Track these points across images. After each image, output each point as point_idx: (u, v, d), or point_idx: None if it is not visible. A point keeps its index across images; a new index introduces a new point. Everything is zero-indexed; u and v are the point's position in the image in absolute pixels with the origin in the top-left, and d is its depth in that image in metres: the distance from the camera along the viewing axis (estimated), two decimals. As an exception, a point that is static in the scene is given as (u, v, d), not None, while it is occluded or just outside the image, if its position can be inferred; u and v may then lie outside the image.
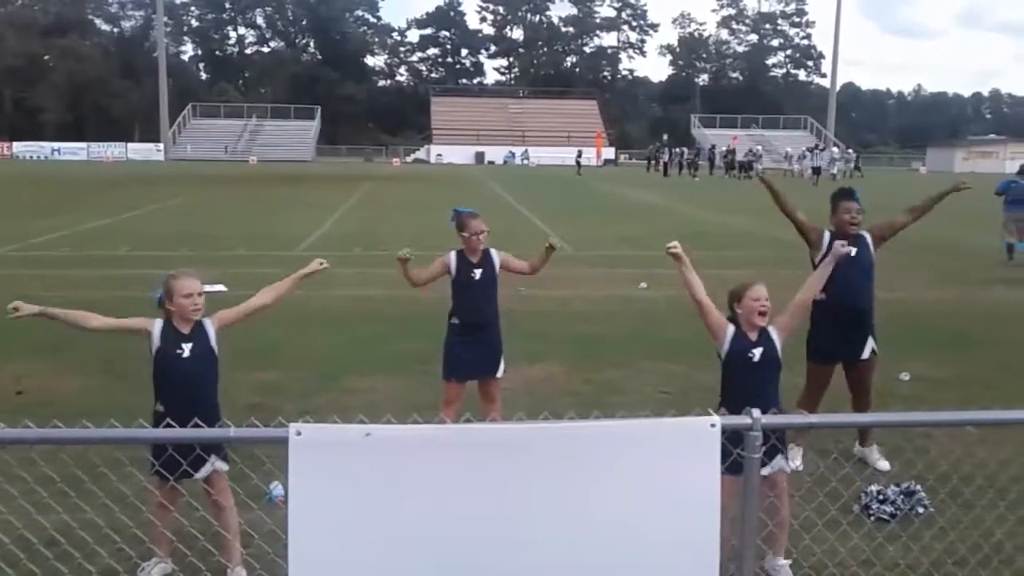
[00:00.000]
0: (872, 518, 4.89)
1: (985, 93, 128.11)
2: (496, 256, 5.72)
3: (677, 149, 56.26)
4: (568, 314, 10.77)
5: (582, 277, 13.68)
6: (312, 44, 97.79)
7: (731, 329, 4.30)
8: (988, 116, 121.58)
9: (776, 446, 4.01)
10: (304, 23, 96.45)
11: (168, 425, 3.22)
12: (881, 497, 5.03)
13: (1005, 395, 6.62)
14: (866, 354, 5.77)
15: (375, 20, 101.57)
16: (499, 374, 5.78)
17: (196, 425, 3.18)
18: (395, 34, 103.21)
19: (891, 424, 3.79)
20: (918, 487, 5.07)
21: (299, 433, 2.64)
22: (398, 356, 8.35)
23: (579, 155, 56.16)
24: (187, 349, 4.01)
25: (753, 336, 4.26)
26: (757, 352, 4.22)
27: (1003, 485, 4.57)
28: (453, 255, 5.69)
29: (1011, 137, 77.20)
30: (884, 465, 5.67)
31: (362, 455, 2.65)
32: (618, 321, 10.36)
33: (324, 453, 2.65)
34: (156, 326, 4.05)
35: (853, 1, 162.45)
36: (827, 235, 5.79)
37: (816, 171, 41.21)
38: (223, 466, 4.08)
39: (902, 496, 5.04)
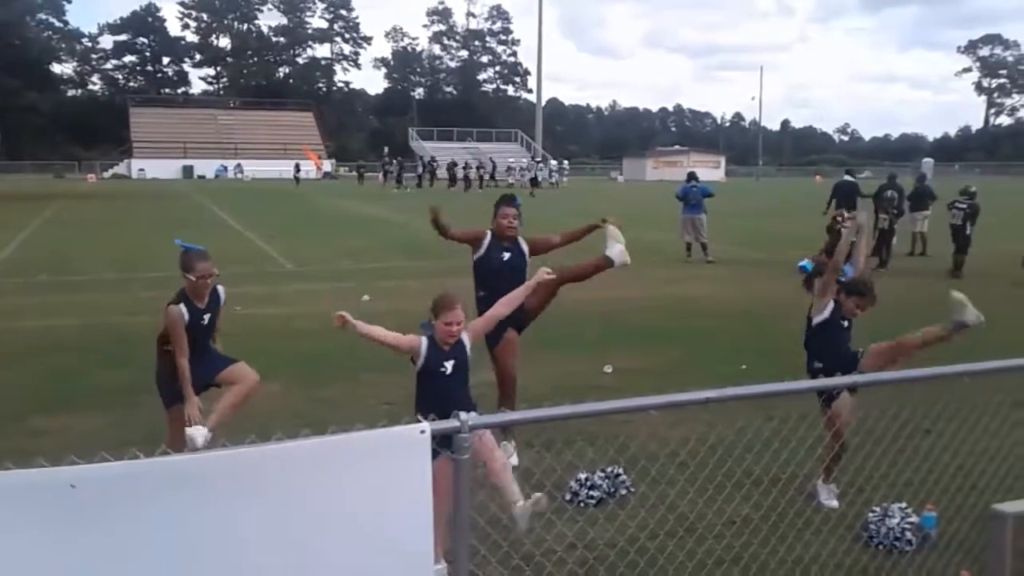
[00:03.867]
0: (582, 504, 5.23)
1: (670, 108, 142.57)
2: (222, 292, 5.55)
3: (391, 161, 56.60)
4: (289, 331, 10.48)
5: (303, 293, 13.39)
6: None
7: (425, 342, 4.35)
8: (673, 129, 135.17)
9: None
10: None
11: None
12: (589, 483, 5.39)
13: (691, 379, 7.37)
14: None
15: (61, 25, 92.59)
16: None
17: None
18: (85, 40, 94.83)
19: (591, 413, 4.08)
20: (621, 470, 5.50)
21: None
22: (98, 390, 7.64)
23: (297, 169, 55.03)
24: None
25: (447, 347, 4.36)
26: (449, 365, 4.32)
27: (683, 460, 5.10)
28: (184, 308, 5.29)
29: (692, 148, 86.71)
30: (515, 460, 6.15)
31: (42, 500, 2.38)
32: (340, 335, 10.18)
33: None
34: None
35: (553, 22, 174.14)
36: (488, 236, 6.27)
37: (534, 182, 43.40)
38: None
39: (607, 480, 5.45)
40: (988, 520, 3.59)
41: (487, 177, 50.99)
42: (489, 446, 4.16)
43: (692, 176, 19.29)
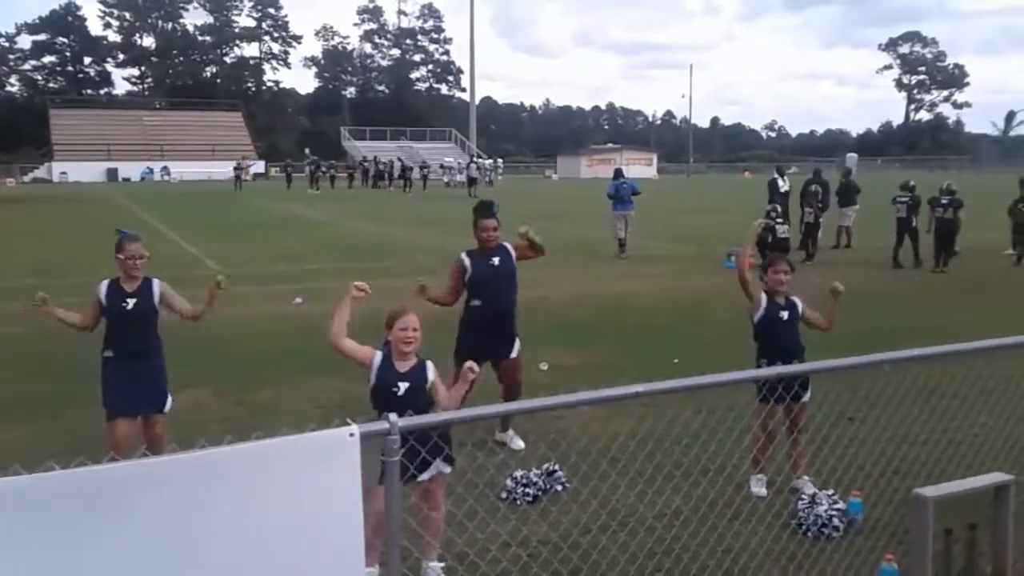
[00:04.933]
0: (517, 502, 5.24)
1: (603, 106, 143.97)
2: (157, 286, 5.36)
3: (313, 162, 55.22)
4: (215, 335, 10.22)
5: (233, 296, 13.11)
6: None
7: (378, 356, 4.21)
8: (606, 126, 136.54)
9: (440, 446, 4.02)
10: None
11: None
12: (524, 481, 5.40)
13: (624, 374, 7.46)
14: (514, 353, 6.27)
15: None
16: (165, 409, 5.39)
17: None
18: (2, 40, 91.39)
19: (526, 410, 4.10)
20: (557, 467, 5.53)
21: None
22: (12, 402, 7.34)
23: (238, 168, 52.64)
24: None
25: (403, 367, 4.18)
26: (403, 386, 4.14)
27: (615, 455, 5.15)
28: (105, 284, 5.28)
29: (625, 145, 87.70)
30: (520, 443, 6.22)
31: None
32: (272, 338, 10.08)
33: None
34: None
35: (486, 20, 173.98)
36: (465, 260, 6.22)
37: (472, 182, 42.97)
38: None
39: (544, 477, 5.47)
40: (911, 504, 3.72)
41: (429, 177, 50.59)
42: (438, 497, 4.20)
43: (619, 173, 19.51)
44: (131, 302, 5.22)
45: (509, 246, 6.30)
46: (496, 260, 6.19)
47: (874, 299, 12.38)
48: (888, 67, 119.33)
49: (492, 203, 6.44)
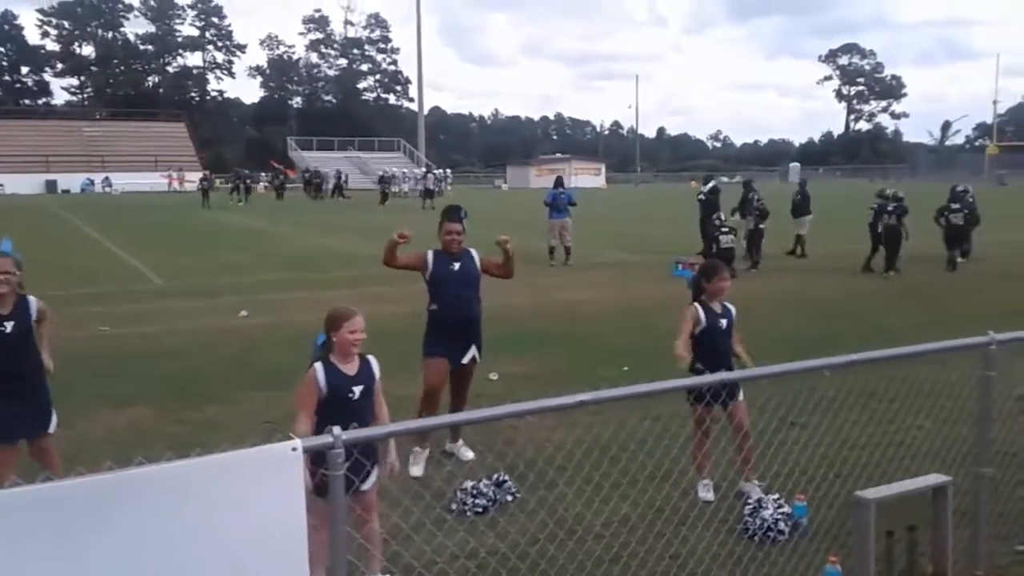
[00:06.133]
0: (467, 513, 5.22)
1: (551, 116, 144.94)
2: (34, 303, 5.08)
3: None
4: (157, 351, 10.02)
5: (174, 310, 12.88)
6: None
7: (321, 370, 4.06)
8: (555, 137, 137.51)
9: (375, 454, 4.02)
10: None
11: None
12: (475, 492, 5.38)
13: (574, 383, 7.47)
14: (466, 360, 6.23)
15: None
16: (51, 430, 5.16)
17: None
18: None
19: (469, 422, 4.09)
20: (507, 477, 5.52)
21: None
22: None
23: (205, 180, 50.52)
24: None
25: (351, 370, 4.11)
26: (357, 390, 4.09)
27: (561, 463, 5.15)
28: None
29: (573, 155, 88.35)
30: (469, 454, 6.22)
31: None
32: (216, 352, 9.90)
33: None
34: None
35: (433, 30, 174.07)
36: (430, 255, 6.18)
37: (428, 194, 42.28)
38: None
39: (494, 487, 5.45)
40: (853, 506, 3.79)
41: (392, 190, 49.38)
42: (372, 506, 4.15)
43: (559, 182, 19.87)
44: (8, 326, 4.91)
45: (475, 253, 6.27)
46: (457, 265, 6.16)
47: (824, 305, 12.68)
48: (828, 78, 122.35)
49: (459, 207, 6.42)
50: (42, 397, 5.13)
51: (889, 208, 16.53)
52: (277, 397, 7.85)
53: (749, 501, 5.11)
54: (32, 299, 5.08)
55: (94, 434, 6.61)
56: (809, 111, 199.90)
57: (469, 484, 5.43)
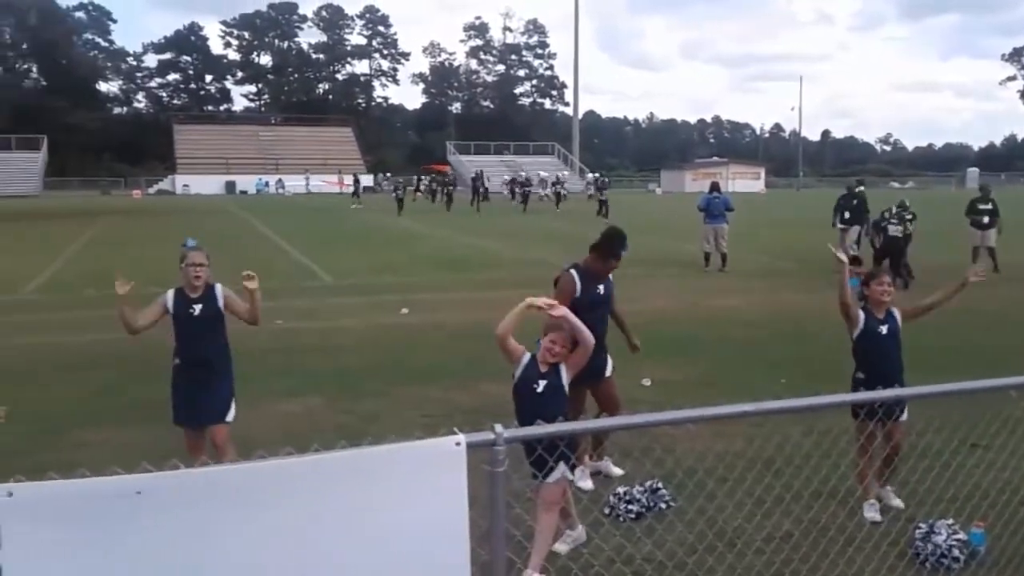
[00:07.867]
0: (620, 519, 5.19)
1: (708, 119, 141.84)
2: (220, 290, 5.45)
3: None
4: (327, 346, 10.54)
5: (342, 307, 13.49)
6: (35, 70, 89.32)
7: (526, 357, 4.50)
8: (712, 140, 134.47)
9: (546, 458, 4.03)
10: (25, 47, 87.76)
11: None
12: (627, 498, 5.34)
13: (728, 392, 7.29)
14: (608, 372, 6.11)
15: (107, 44, 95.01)
16: (229, 418, 5.45)
17: None
18: (130, 59, 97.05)
19: (632, 426, 4.04)
20: (660, 484, 5.45)
21: (10, 494, 2.37)
22: (138, 404, 7.71)
23: (356, 181, 51.71)
24: None
25: (544, 368, 4.46)
26: (542, 383, 4.42)
27: (722, 474, 5.02)
28: (171, 293, 5.44)
29: (732, 159, 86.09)
30: (617, 471, 6.04)
31: (79, 514, 2.42)
32: (379, 349, 10.29)
33: (42, 516, 2.39)
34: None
35: (590, 35, 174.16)
36: (576, 276, 5.77)
37: (559, 197, 41.84)
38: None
39: (647, 495, 5.40)
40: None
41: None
42: (552, 500, 4.31)
43: (715, 187, 19.24)
44: (196, 308, 5.35)
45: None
46: (601, 289, 5.86)
47: (990, 316, 11.78)
48: (1012, 78, 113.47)
49: (624, 237, 5.92)
50: (225, 387, 5.46)
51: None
52: (432, 394, 8.12)
53: (920, 526, 4.82)
54: (219, 286, 5.47)
55: (268, 424, 7.04)
56: (988, 113, 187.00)
57: (622, 489, 5.40)
